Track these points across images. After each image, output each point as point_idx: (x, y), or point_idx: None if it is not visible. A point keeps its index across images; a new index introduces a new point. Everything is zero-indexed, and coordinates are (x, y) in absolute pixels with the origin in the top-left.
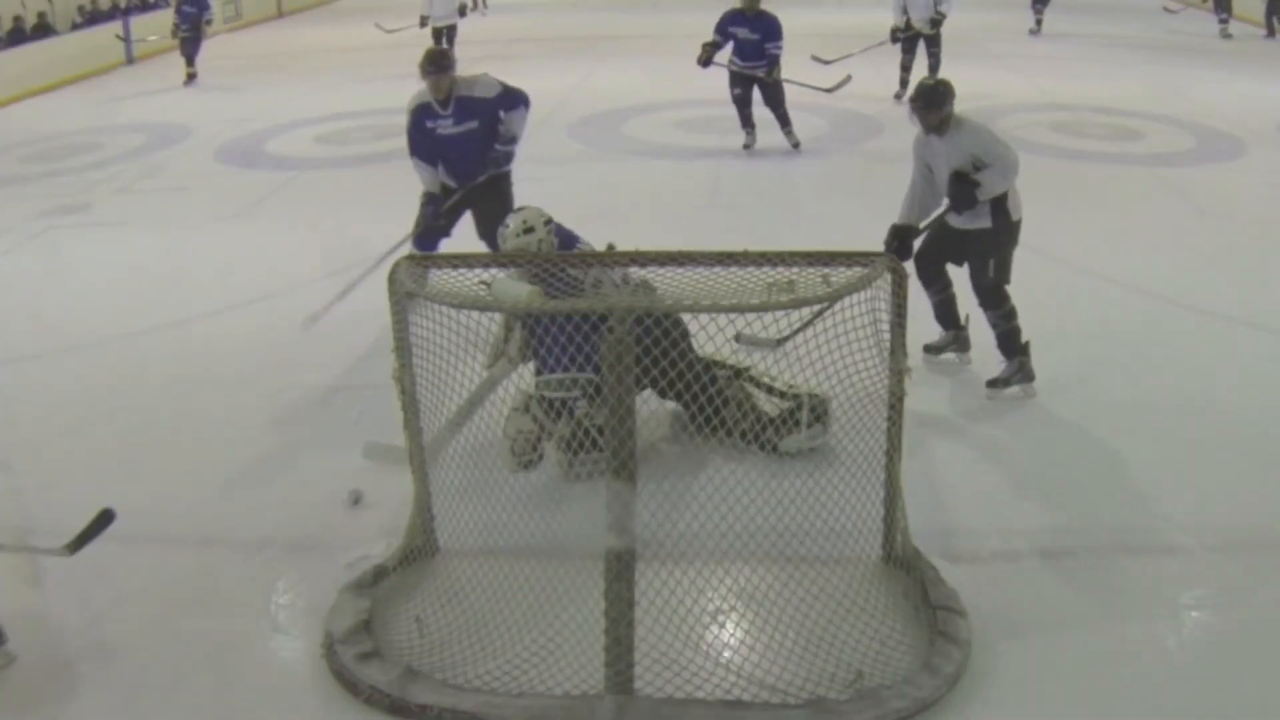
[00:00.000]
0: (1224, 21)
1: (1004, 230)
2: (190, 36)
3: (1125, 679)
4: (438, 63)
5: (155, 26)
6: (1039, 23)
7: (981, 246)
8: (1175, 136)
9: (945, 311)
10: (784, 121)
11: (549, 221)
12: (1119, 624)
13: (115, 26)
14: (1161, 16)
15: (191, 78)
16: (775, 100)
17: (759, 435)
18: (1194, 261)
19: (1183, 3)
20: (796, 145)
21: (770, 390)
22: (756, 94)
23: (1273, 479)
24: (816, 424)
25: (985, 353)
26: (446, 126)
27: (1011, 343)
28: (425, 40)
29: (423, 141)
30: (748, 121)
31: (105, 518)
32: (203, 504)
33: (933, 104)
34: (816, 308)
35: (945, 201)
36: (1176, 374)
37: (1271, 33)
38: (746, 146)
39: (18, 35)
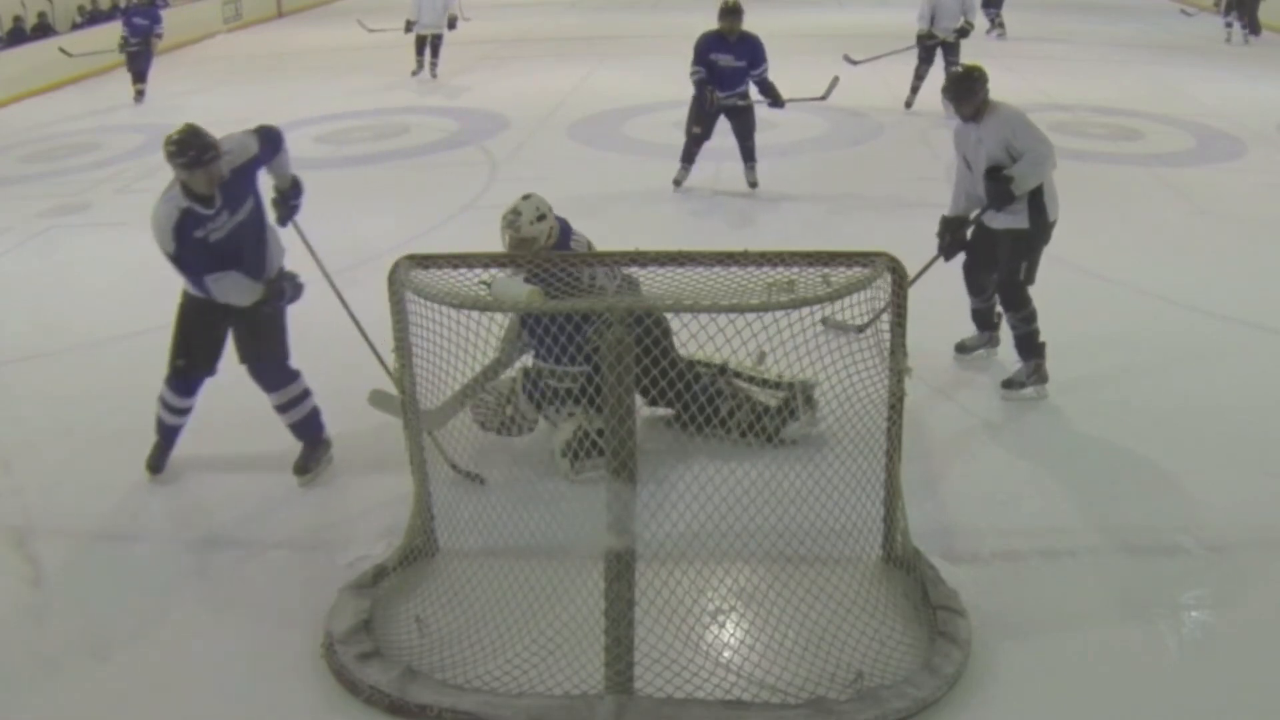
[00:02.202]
0: (1229, 25)
1: (1040, 230)
2: (140, 50)
3: (1125, 679)
4: (203, 146)
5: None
6: (994, 22)
7: (1017, 247)
8: (1175, 136)
9: (986, 315)
10: (750, 155)
11: (551, 209)
12: (1119, 624)
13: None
14: (1162, 17)
15: (140, 94)
16: (747, 131)
17: (763, 426)
18: (1194, 261)
19: (1197, 6)
20: (754, 185)
21: (761, 383)
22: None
23: (1273, 479)
24: (808, 410)
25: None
26: (221, 226)
27: (1030, 345)
28: (411, 44)
29: (199, 260)
30: (692, 159)
31: None
32: (203, 504)
33: (964, 92)
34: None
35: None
36: (1176, 374)
37: (1255, 30)
38: (678, 183)
39: (18, 35)
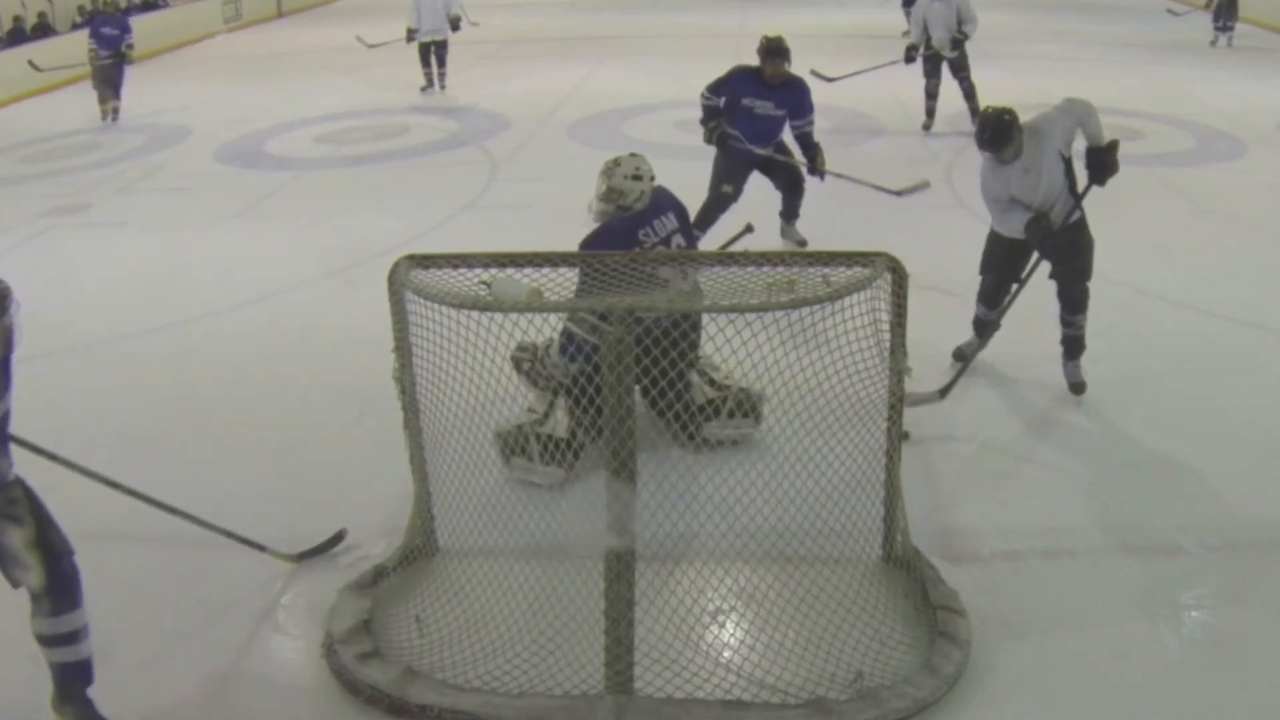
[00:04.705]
0: (1220, 30)
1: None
2: (112, 63)
3: (1125, 679)
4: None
5: (155, 26)
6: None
7: (1082, 239)
8: (1175, 136)
9: (988, 325)
10: (794, 214)
11: (653, 178)
12: (1119, 624)
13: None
14: (1162, 17)
15: (115, 113)
16: (797, 187)
17: (686, 423)
18: (1194, 261)
19: (1188, 4)
20: (803, 244)
21: (709, 381)
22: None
23: (1273, 479)
24: (743, 417)
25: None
26: None
27: (1082, 344)
28: (413, 53)
29: None
30: (710, 225)
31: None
32: (203, 504)
33: (1006, 137)
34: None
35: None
36: (1175, 374)
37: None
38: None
39: (18, 35)
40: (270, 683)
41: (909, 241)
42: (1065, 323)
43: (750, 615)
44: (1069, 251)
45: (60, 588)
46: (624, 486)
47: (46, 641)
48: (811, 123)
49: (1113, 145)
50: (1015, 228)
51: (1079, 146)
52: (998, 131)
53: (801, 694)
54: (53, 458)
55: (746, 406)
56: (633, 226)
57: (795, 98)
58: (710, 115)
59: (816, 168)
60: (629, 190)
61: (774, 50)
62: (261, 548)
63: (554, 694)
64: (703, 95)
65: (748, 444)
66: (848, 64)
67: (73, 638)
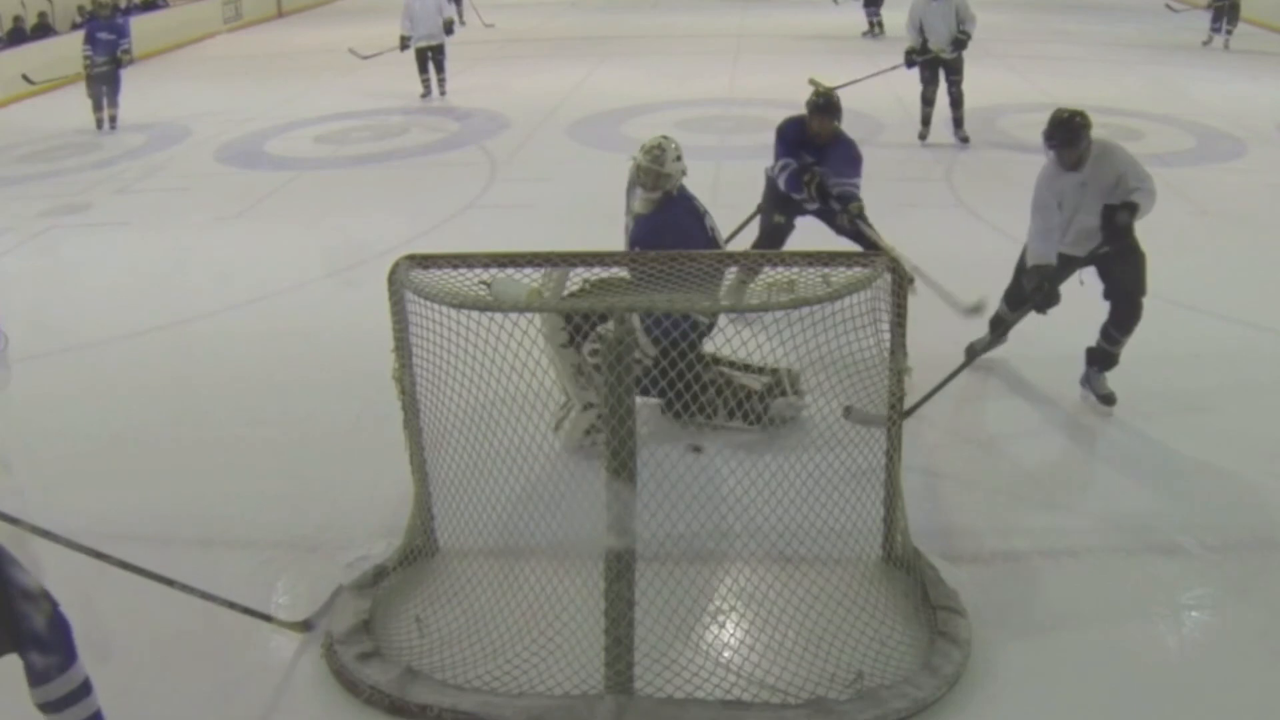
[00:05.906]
0: (1216, 32)
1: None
2: (109, 69)
3: (1125, 679)
4: None
5: (155, 26)
6: (873, 25)
7: (1131, 255)
8: (1175, 136)
9: (1009, 325)
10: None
11: None
12: (1119, 624)
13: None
14: (1161, 17)
15: (112, 121)
16: (858, 235)
17: (749, 409)
18: (1194, 262)
19: (1186, 3)
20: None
21: (746, 368)
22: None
23: (1273, 479)
24: (798, 395)
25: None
26: None
27: (1114, 361)
28: (410, 59)
29: None
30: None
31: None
32: (203, 504)
33: (1074, 139)
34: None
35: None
36: (1175, 374)
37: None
38: None
39: (18, 35)
40: (270, 682)
41: (909, 242)
42: (1108, 337)
43: (750, 615)
44: (1119, 267)
45: (56, 638)
46: (624, 486)
47: (54, 707)
48: (856, 185)
49: (1130, 206)
50: (1044, 253)
51: None
52: (1067, 132)
53: (801, 694)
54: (33, 529)
55: (798, 385)
56: (690, 204)
57: (841, 159)
58: (797, 179)
59: (848, 214)
60: (676, 172)
61: (822, 107)
62: (268, 618)
63: (554, 694)
64: (779, 168)
65: (749, 444)
66: (846, 65)
67: (79, 694)
